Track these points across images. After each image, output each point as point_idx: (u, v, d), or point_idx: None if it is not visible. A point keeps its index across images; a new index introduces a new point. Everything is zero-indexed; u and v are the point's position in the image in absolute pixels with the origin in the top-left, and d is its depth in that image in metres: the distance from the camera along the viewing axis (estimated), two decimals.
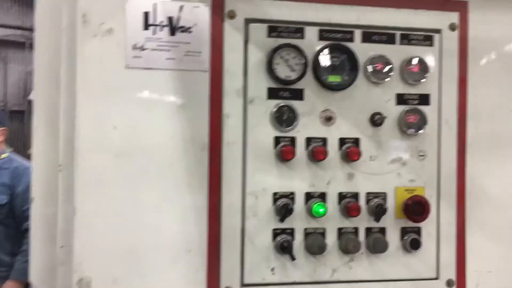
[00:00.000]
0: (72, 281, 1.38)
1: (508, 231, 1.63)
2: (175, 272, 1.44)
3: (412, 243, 1.53)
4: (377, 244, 1.50)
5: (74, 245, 1.39)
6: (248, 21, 1.47)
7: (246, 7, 1.47)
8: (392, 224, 1.55)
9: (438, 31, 1.58)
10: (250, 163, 1.47)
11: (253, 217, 1.47)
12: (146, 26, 1.42)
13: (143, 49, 1.42)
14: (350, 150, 1.49)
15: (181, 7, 1.44)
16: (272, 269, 1.48)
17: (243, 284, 1.46)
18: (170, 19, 1.43)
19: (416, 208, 1.51)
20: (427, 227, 1.56)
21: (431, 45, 1.57)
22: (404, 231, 1.55)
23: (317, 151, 1.47)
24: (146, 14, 1.42)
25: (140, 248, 1.42)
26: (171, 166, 1.44)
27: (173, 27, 1.44)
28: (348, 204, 1.49)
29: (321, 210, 1.46)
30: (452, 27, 1.58)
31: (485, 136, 1.62)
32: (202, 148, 1.45)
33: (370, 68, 1.53)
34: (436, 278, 1.57)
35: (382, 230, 1.54)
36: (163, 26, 1.43)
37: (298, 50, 1.47)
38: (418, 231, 1.56)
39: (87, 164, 1.40)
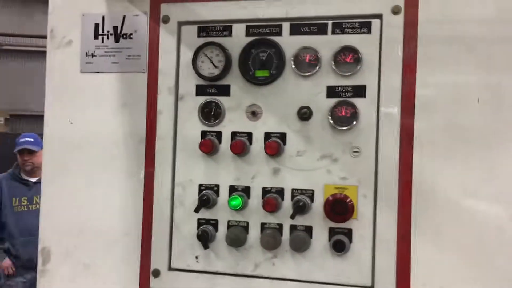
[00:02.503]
0: (39, 248, 1.68)
1: (466, 240, 1.38)
2: (115, 252, 1.62)
3: (336, 245, 1.43)
4: (295, 241, 1.45)
5: (40, 220, 1.69)
6: (180, 24, 1.59)
7: (179, 11, 1.58)
8: (319, 224, 1.47)
9: (378, 16, 1.45)
10: (179, 156, 1.57)
11: (181, 206, 1.57)
12: (96, 35, 1.65)
13: (94, 56, 1.65)
14: (267, 144, 1.47)
15: (124, 17, 1.63)
16: (196, 257, 1.55)
17: (170, 268, 1.56)
18: (115, 28, 1.64)
19: (337, 207, 1.41)
20: (360, 229, 1.44)
21: (368, 32, 1.45)
22: (332, 232, 1.46)
23: (234, 144, 1.49)
24: (96, 26, 1.65)
25: (88, 228, 1.64)
26: (114, 157, 1.63)
27: (118, 35, 1.63)
28: (266, 198, 1.47)
29: (233, 202, 1.48)
30: (395, 11, 1.43)
31: (440, 129, 1.41)
32: (140, 142, 1.61)
33: (297, 61, 1.49)
34: (371, 287, 1.43)
35: (309, 229, 1.47)
36: (110, 34, 1.64)
37: (220, 47, 1.53)
38: (348, 233, 1.45)
39: (51, 154, 1.68)
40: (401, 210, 1.42)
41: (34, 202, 4.31)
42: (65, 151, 1.67)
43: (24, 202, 4.34)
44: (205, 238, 1.50)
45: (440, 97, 1.41)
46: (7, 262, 4.32)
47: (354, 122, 1.44)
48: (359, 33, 1.46)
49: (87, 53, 1.65)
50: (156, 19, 1.61)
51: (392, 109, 1.43)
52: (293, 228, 1.48)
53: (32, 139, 4.43)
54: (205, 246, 1.50)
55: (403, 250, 1.41)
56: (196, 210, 1.50)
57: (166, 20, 1.59)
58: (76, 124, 1.66)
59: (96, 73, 1.65)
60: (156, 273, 1.56)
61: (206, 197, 1.51)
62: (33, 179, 4.45)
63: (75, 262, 1.64)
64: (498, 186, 1.36)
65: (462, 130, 1.40)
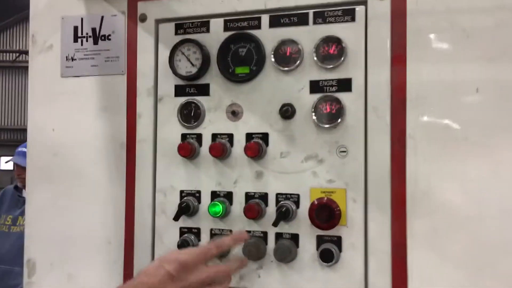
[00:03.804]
0: (24, 260, 1.63)
1: (467, 249, 1.23)
2: (98, 262, 1.55)
3: (323, 255, 1.30)
4: (280, 251, 1.33)
5: (25, 230, 1.65)
6: (158, 21, 1.51)
7: (156, 9, 1.51)
8: (306, 231, 1.34)
9: (363, 2, 1.32)
10: (160, 161, 1.49)
11: (162, 214, 1.48)
12: (76, 38, 1.60)
13: (74, 59, 1.59)
14: (247, 146, 1.37)
15: (102, 18, 1.57)
16: None
17: None
18: (93, 30, 1.58)
19: (322, 213, 1.28)
20: (350, 237, 1.31)
21: (352, 20, 1.32)
22: (320, 240, 1.33)
23: (213, 147, 1.40)
24: (75, 28, 1.60)
25: (72, 237, 1.58)
26: (95, 163, 1.57)
27: (96, 37, 1.57)
28: (247, 205, 1.37)
29: (214, 209, 1.38)
30: None
31: (436, 126, 1.26)
32: (121, 147, 1.54)
33: (277, 55, 1.37)
34: None
35: (295, 237, 1.35)
36: (88, 37, 1.58)
37: (197, 44, 1.44)
38: (337, 241, 1.32)
39: (35, 162, 1.64)
40: (395, 216, 1.28)
41: (18, 223, 3.57)
42: (48, 159, 1.62)
43: (8, 222, 3.63)
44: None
45: (434, 91, 1.26)
46: None
47: (340, 120, 1.31)
48: (342, 21, 1.33)
49: (67, 57, 1.60)
50: (133, 18, 1.53)
51: (381, 105, 1.29)
52: (278, 236, 1.37)
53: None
54: None
55: (399, 260, 1.27)
56: (176, 218, 1.41)
57: (143, 18, 1.52)
58: (57, 130, 1.61)
59: (76, 77, 1.59)
60: None
61: (186, 204, 1.42)
62: None
63: (60, 273, 1.59)
64: (501, 188, 1.20)
65: (460, 126, 1.25)
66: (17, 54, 17.43)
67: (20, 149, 3.72)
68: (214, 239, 1.41)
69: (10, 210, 3.67)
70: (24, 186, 3.51)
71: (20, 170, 3.58)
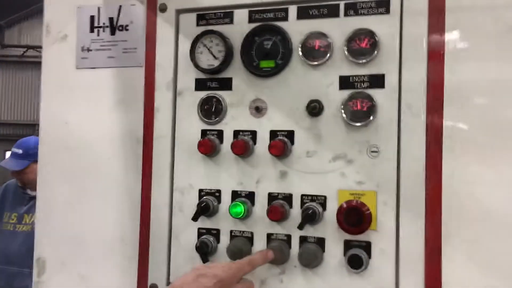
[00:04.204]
0: (34, 259, 1.57)
1: (508, 257, 1.15)
2: (112, 261, 1.48)
3: (351, 261, 1.22)
4: (305, 255, 1.26)
5: (36, 227, 1.58)
6: (179, 12, 1.44)
7: None
8: (333, 235, 1.27)
9: None
10: (178, 158, 1.42)
11: (180, 213, 1.41)
12: (92, 28, 1.53)
13: (89, 50, 1.53)
14: (272, 144, 1.29)
15: (120, 7, 1.50)
16: None
17: (168, 283, 1.41)
18: (111, 19, 1.51)
19: (351, 216, 1.21)
20: (380, 242, 1.23)
21: (386, 12, 1.25)
22: (348, 245, 1.26)
23: (235, 144, 1.32)
24: (92, 18, 1.53)
25: (84, 236, 1.52)
26: (110, 159, 1.50)
27: (113, 27, 1.51)
28: (270, 206, 1.29)
29: (235, 210, 1.31)
30: None
31: (476, 126, 1.19)
32: (137, 142, 1.47)
33: (305, 48, 1.30)
34: None
35: (321, 241, 1.28)
36: (105, 27, 1.52)
37: (220, 36, 1.37)
38: (366, 246, 1.24)
39: (47, 157, 1.57)
40: (430, 220, 1.20)
41: (24, 222, 3.28)
42: (61, 153, 1.55)
43: (12, 220, 3.32)
44: (204, 251, 1.34)
45: (475, 88, 1.19)
46: None
47: (372, 118, 1.24)
48: (375, 13, 1.25)
49: (82, 47, 1.53)
50: (153, 8, 1.46)
51: (416, 102, 1.21)
52: (303, 240, 1.30)
53: (20, 151, 3.36)
54: (204, 260, 1.33)
55: (433, 268, 1.19)
56: (194, 218, 1.34)
57: (163, 8, 1.45)
58: (71, 124, 1.54)
59: (92, 69, 1.52)
60: None
61: (206, 203, 1.35)
62: (33, 193, 3.19)
63: (71, 273, 1.52)
64: None
65: (503, 128, 1.17)
66: (25, 49, 17.42)
67: (13, 149, 3.41)
68: (233, 241, 1.34)
69: (14, 207, 3.36)
70: (24, 186, 3.36)
71: (14, 173, 3.35)
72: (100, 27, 1.52)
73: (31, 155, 3.23)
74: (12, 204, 3.39)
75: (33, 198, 3.10)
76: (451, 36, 1.20)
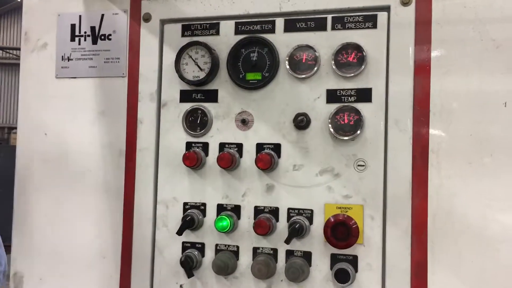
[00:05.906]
0: (11, 273, 1.51)
1: (492, 270, 1.16)
2: (91, 277, 1.44)
3: (338, 275, 1.22)
4: (291, 270, 1.25)
5: (12, 241, 1.52)
6: (163, 22, 1.41)
7: (161, 8, 1.41)
8: (320, 249, 1.27)
9: (385, 8, 1.25)
10: (162, 171, 1.39)
11: (164, 227, 1.38)
12: (73, 37, 1.49)
13: (70, 59, 1.49)
14: (258, 157, 1.28)
15: (102, 16, 1.47)
16: (181, 286, 1.36)
17: None
18: (93, 28, 1.47)
19: (338, 230, 1.20)
20: (367, 256, 1.23)
21: (374, 26, 1.25)
22: (334, 259, 1.25)
23: (221, 157, 1.30)
24: (73, 26, 1.49)
25: (63, 250, 1.47)
26: (90, 171, 1.46)
27: (95, 36, 1.47)
28: (257, 220, 1.28)
29: (220, 223, 1.29)
30: (404, 1, 1.23)
31: (460, 140, 1.20)
32: (120, 154, 1.44)
33: (292, 61, 1.30)
34: None
35: (307, 255, 1.27)
36: (87, 36, 1.48)
37: (206, 47, 1.35)
38: (353, 260, 1.24)
39: (24, 169, 1.52)
40: (416, 235, 1.21)
41: None
42: (39, 165, 1.50)
43: None
44: (188, 265, 1.31)
45: (460, 103, 1.20)
46: None
47: (359, 131, 1.24)
48: (363, 28, 1.26)
49: (62, 56, 1.49)
50: (136, 17, 1.44)
51: (403, 117, 1.22)
52: (289, 253, 1.29)
53: None
54: (189, 274, 1.31)
55: (419, 282, 1.20)
56: (179, 232, 1.31)
57: (147, 18, 1.42)
58: (50, 135, 1.50)
59: (73, 78, 1.49)
60: None
61: (191, 217, 1.32)
62: None
63: None
64: None
65: (487, 141, 1.18)
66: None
67: None
68: (218, 255, 1.32)
69: None
70: None
71: None
72: (82, 35, 1.48)
73: None
74: None
75: None
76: (437, 50, 1.21)
